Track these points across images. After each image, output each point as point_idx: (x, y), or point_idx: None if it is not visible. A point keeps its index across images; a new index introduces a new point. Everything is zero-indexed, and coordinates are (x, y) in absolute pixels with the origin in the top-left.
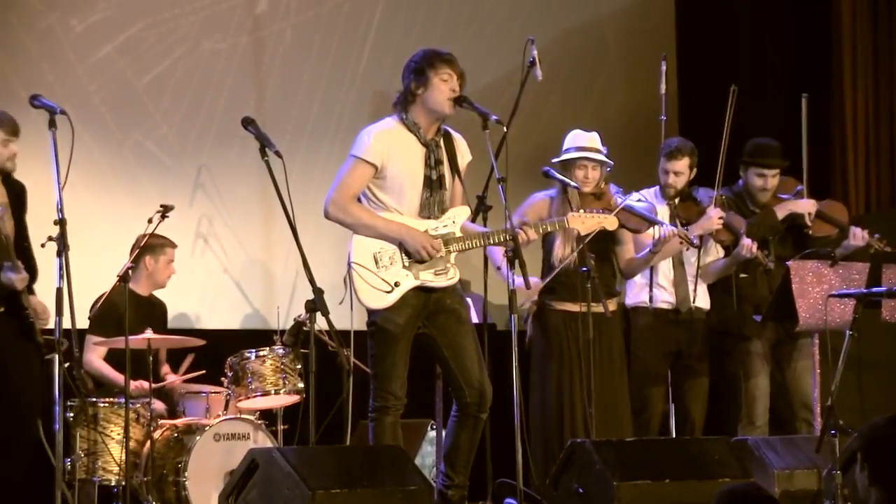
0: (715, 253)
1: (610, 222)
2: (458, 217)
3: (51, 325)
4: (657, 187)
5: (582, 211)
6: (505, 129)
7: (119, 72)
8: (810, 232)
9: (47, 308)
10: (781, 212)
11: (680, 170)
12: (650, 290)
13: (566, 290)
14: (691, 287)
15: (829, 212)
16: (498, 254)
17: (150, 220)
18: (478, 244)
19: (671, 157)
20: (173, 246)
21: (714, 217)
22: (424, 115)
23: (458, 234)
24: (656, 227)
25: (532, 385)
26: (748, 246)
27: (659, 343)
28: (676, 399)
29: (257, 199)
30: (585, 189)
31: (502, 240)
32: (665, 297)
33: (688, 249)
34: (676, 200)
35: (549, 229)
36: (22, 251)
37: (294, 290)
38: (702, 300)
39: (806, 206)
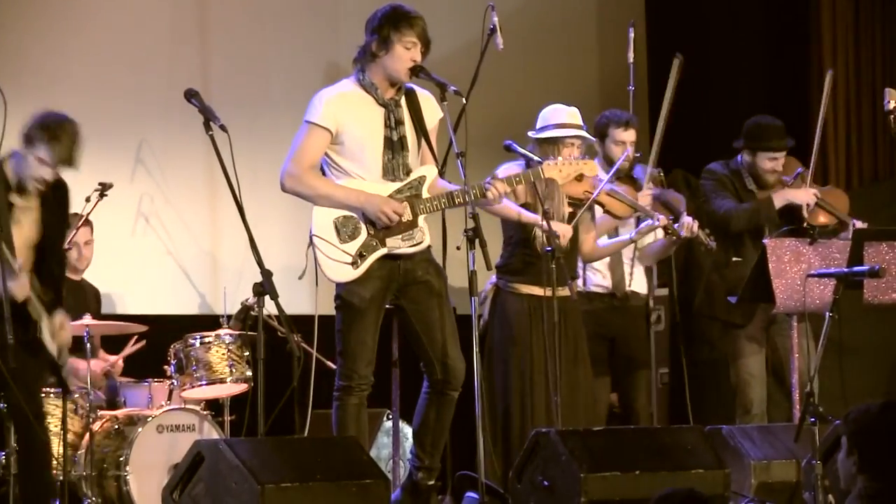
0: (652, 234)
1: (589, 168)
2: (424, 177)
3: None
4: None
5: (560, 158)
6: (464, 100)
7: (54, 40)
8: (805, 223)
9: (65, 337)
10: (779, 201)
11: (634, 140)
12: (583, 272)
13: (534, 272)
14: (627, 270)
15: (830, 201)
16: (514, 205)
17: (87, 199)
18: (445, 204)
19: (627, 127)
20: (87, 225)
21: (647, 196)
22: (382, 77)
23: (426, 195)
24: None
25: (492, 373)
26: (688, 225)
27: (591, 325)
28: (617, 388)
29: (202, 175)
30: None
31: (468, 199)
32: (599, 281)
33: (674, 239)
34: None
35: (521, 182)
36: (44, 258)
37: (241, 272)
38: (638, 284)
39: (805, 197)
